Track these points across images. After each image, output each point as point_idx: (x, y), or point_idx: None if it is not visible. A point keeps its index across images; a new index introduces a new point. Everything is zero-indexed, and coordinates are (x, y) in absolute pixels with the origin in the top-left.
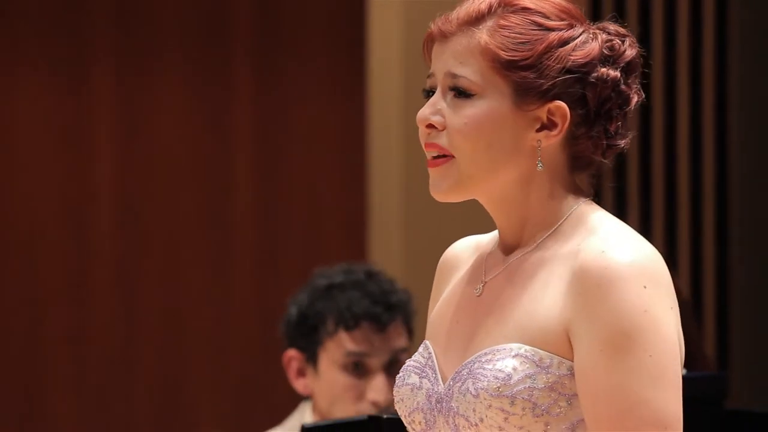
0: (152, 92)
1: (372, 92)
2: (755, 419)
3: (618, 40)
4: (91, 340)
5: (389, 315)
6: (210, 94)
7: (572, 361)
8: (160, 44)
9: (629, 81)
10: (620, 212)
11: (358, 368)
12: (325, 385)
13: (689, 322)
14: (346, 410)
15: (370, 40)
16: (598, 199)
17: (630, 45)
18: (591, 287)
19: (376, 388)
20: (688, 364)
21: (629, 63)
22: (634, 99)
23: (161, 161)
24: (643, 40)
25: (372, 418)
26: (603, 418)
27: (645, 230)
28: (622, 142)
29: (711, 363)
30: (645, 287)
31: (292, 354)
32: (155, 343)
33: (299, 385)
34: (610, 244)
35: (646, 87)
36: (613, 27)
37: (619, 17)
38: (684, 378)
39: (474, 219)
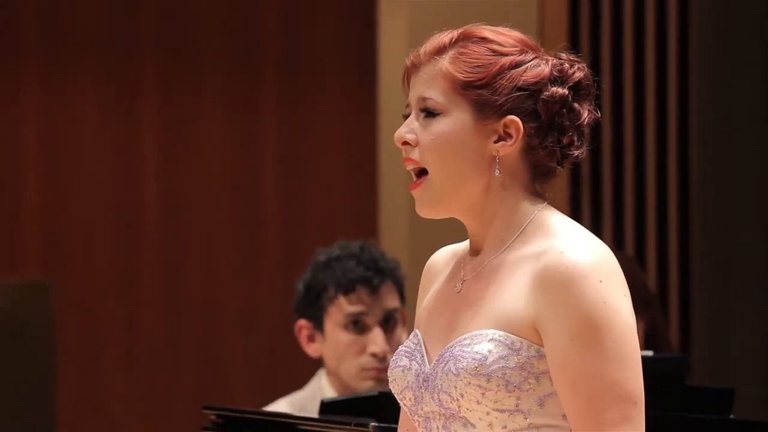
0: (193, 112)
1: (381, 111)
2: (712, 394)
3: (567, 64)
4: (140, 324)
5: (380, 278)
6: (243, 113)
7: (539, 345)
8: (200, 70)
9: (579, 99)
10: (595, 216)
11: (357, 326)
12: (332, 345)
13: (656, 311)
14: (351, 364)
15: (379, 69)
16: (577, 205)
17: (579, 69)
18: (554, 286)
19: (374, 341)
20: (654, 346)
21: (578, 83)
22: (585, 115)
23: (200, 171)
24: (616, 51)
25: (381, 394)
26: (582, 401)
27: (617, 231)
28: (576, 152)
29: (674, 346)
30: (601, 281)
31: (302, 323)
32: (195, 326)
33: (310, 349)
34: (567, 246)
35: (619, 96)
36: (565, 54)
37: (595, 28)
38: (651, 359)
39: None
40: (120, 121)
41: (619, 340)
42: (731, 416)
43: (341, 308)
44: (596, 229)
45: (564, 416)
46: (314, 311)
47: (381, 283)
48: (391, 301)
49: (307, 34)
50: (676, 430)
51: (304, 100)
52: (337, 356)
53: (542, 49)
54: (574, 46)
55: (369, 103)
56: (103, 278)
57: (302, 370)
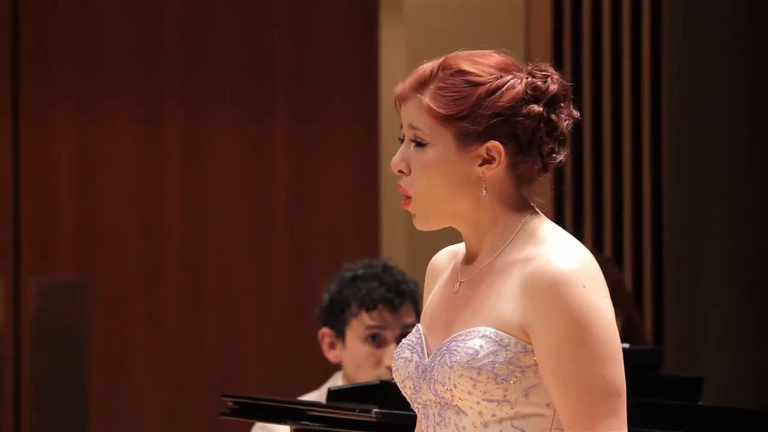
0: (211, 125)
1: (382, 122)
2: (683, 382)
3: (540, 81)
4: (163, 321)
5: (401, 299)
6: (255, 126)
7: (525, 342)
8: (217, 87)
9: (557, 111)
10: (577, 222)
11: (376, 340)
12: (351, 354)
13: (631, 307)
14: (367, 374)
15: (380, 85)
16: (560, 212)
17: (552, 81)
18: (541, 290)
19: (390, 355)
20: (630, 340)
21: (553, 97)
22: (563, 123)
23: (218, 180)
24: (595, 59)
25: (383, 383)
26: (573, 397)
27: (596, 235)
28: (558, 158)
29: (649, 339)
30: (584, 287)
31: (324, 331)
32: (213, 323)
33: (331, 355)
34: (553, 253)
35: (598, 104)
36: (540, 69)
37: (576, 45)
38: (628, 351)
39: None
40: (146, 135)
41: (603, 340)
42: (700, 403)
43: (363, 323)
44: (578, 233)
45: (547, 405)
46: (337, 322)
47: (401, 304)
48: (408, 318)
49: (314, 52)
50: (651, 416)
51: (311, 114)
52: (356, 365)
53: (520, 66)
54: (557, 61)
55: (371, 114)
56: (131, 279)
57: (318, 369)
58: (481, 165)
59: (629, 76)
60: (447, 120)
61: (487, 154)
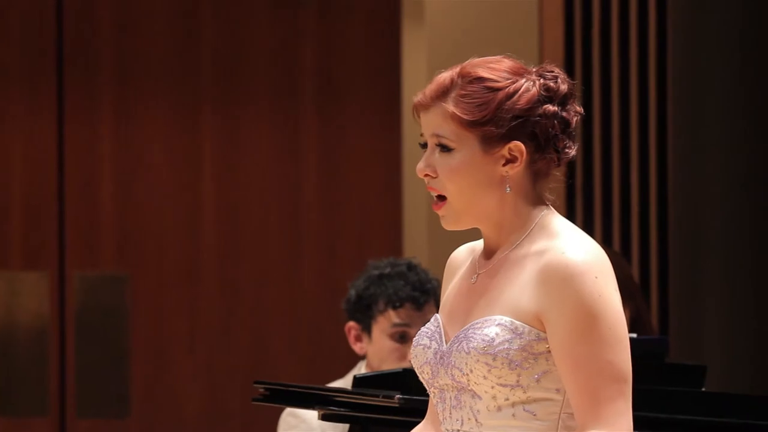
0: (244, 129)
1: (405, 129)
2: (687, 370)
3: (551, 82)
4: (200, 312)
5: (425, 298)
6: (286, 130)
7: (539, 330)
8: (250, 93)
9: (567, 108)
10: (587, 219)
11: (401, 336)
12: (377, 348)
13: (639, 300)
14: (391, 367)
15: (402, 92)
16: (572, 210)
17: (562, 81)
18: (556, 281)
19: None
20: (638, 330)
21: (564, 96)
22: (574, 120)
23: (251, 180)
24: (604, 63)
25: (405, 370)
26: (583, 381)
27: (606, 231)
28: (570, 153)
29: (655, 329)
30: (596, 278)
31: (351, 325)
32: (247, 314)
33: (357, 348)
34: (567, 246)
35: (607, 107)
36: (549, 71)
37: (587, 57)
38: (636, 340)
39: (477, 232)
40: (182, 137)
41: (613, 327)
42: (703, 389)
43: (389, 319)
44: (588, 230)
45: (557, 390)
46: (363, 317)
47: (425, 302)
48: (431, 315)
49: (341, 62)
50: (657, 401)
51: (338, 119)
52: (380, 358)
53: (529, 68)
54: (568, 65)
55: (394, 119)
56: (169, 272)
57: (336, 351)
58: (504, 165)
59: (636, 81)
60: (472, 125)
61: (510, 154)
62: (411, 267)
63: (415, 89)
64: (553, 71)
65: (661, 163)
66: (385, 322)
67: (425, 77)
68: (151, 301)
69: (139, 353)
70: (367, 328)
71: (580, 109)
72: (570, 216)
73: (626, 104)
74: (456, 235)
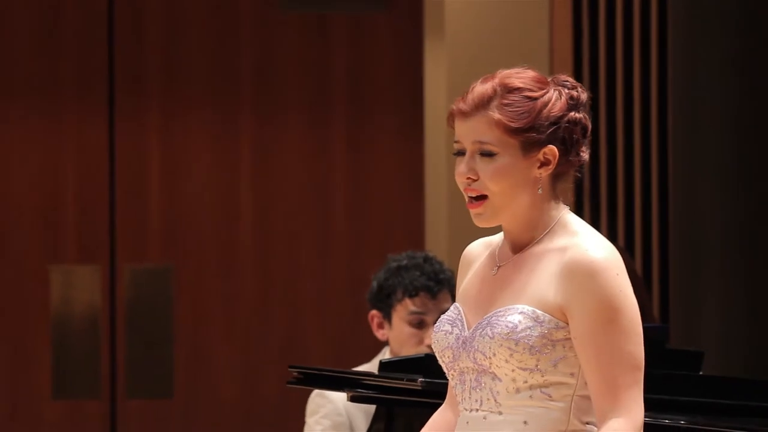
0: (279, 134)
1: (426, 135)
2: (686, 356)
3: (575, 91)
4: (237, 302)
5: (439, 287)
6: (318, 136)
7: (558, 320)
8: (284, 103)
9: (587, 116)
10: (594, 217)
11: (418, 323)
12: (396, 334)
13: (642, 291)
14: (410, 351)
15: (424, 102)
16: (580, 208)
17: (582, 91)
18: (580, 276)
19: (430, 335)
20: (641, 319)
21: (584, 104)
22: (589, 125)
23: (285, 181)
24: (610, 73)
25: (427, 355)
26: (604, 368)
27: (611, 228)
28: (586, 156)
29: (656, 318)
30: (617, 275)
31: (374, 313)
32: (280, 304)
33: (379, 334)
34: (589, 245)
35: (612, 113)
36: (566, 81)
37: (594, 68)
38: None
39: (493, 228)
40: (222, 141)
41: (631, 320)
42: (701, 373)
43: (407, 308)
44: (595, 227)
45: (571, 374)
46: (384, 306)
47: (439, 291)
48: (445, 304)
49: (368, 74)
50: (658, 384)
51: (365, 125)
52: (400, 343)
53: (548, 79)
54: (576, 76)
55: (417, 126)
56: (209, 265)
57: (362, 338)
58: (539, 167)
59: (639, 89)
60: (516, 132)
61: (545, 157)
62: (427, 259)
63: (436, 100)
64: (571, 81)
65: (662, 165)
66: (403, 310)
67: (445, 89)
68: (193, 291)
69: (181, 339)
70: (387, 316)
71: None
72: (578, 214)
73: (630, 111)
74: (475, 235)
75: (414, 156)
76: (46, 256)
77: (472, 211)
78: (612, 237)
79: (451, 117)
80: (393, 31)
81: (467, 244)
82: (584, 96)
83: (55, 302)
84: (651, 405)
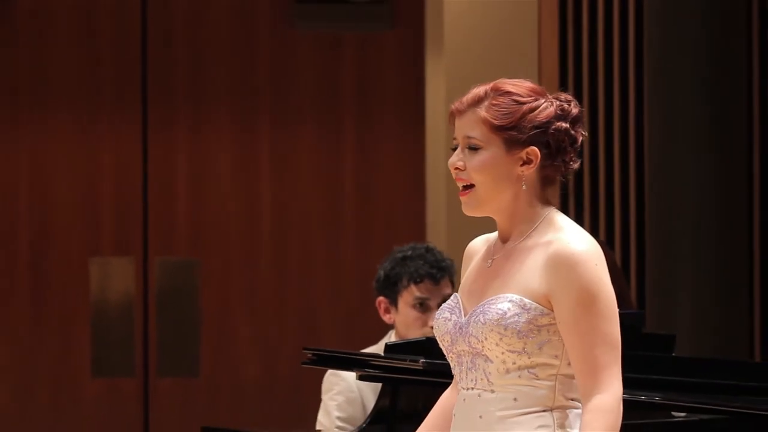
0: (294, 140)
1: (427, 137)
2: (660, 339)
3: (566, 104)
4: (258, 291)
5: (441, 274)
6: (329, 139)
7: (544, 306)
8: (300, 113)
9: (576, 128)
10: (578, 213)
11: (422, 306)
12: (402, 317)
13: (621, 280)
14: (415, 333)
15: (426, 107)
16: (565, 205)
17: (574, 105)
18: (564, 266)
19: (433, 318)
20: (620, 305)
21: (575, 117)
22: (580, 139)
23: (300, 182)
24: (592, 83)
25: (428, 339)
26: (586, 348)
27: (593, 223)
28: (574, 165)
29: (634, 304)
30: (596, 265)
31: (381, 299)
32: (297, 292)
33: (386, 318)
34: (572, 239)
35: (594, 122)
36: (563, 95)
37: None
38: (619, 314)
39: (486, 224)
40: (244, 146)
41: (608, 305)
42: (673, 354)
43: (412, 293)
44: (579, 223)
45: (555, 356)
46: (391, 293)
47: (441, 278)
48: (447, 289)
49: (375, 85)
50: (635, 365)
51: (372, 129)
52: (406, 326)
53: (546, 91)
54: (562, 84)
55: (419, 129)
56: (233, 258)
57: (370, 322)
58: (521, 165)
59: (618, 105)
60: (499, 129)
61: (527, 156)
62: (429, 249)
63: (436, 108)
64: (565, 96)
65: (639, 167)
66: (408, 296)
67: (444, 99)
68: (217, 281)
69: (206, 324)
70: (394, 301)
71: (585, 133)
72: (564, 212)
73: (610, 120)
74: (471, 228)
75: (416, 158)
76: (86, 249)
77: (462, 199)
78: (594, 232)
79: (451, 116)
80: (397, 48)
81: (464, 237)
82: (575, 110)
83: (95, 291)
84: (629, 383)
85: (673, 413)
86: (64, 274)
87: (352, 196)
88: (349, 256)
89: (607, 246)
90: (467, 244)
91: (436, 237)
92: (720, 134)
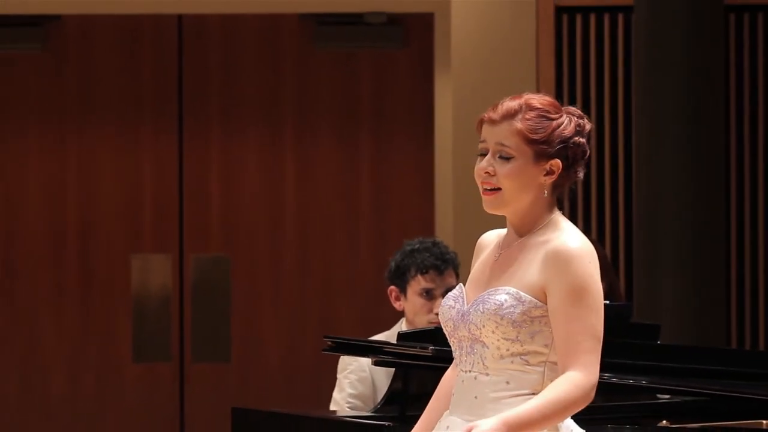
0: (316, 150)
1: (436, 148)
2: (646, 328)
3: (581, 120)
4: (283, 286)
5: (445, 266)
6: (348, 149)
7: (538, 300)
8: (321, 125)
9: (587, 143)
10: (572, 213)
11: (428, 295)
12: (411, 305)
13: (611, 275)
14: (422, 318)
15: (435, 121)
16: (560, 205)
17: (587, 122)
18: (559, 261)
19: (438, 306)
20: (610, 298)
21: (588, 133)
22: (588, 151)
23: (321, 185)
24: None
25: (437, 328)
26: (571, 335)
27: (586, 223)
28: (581, 175)
29: (623, 297)
30: (589, 262)
31: (392, 288)
32: (318, 285)
33: (397, 305)
34: (568, 238)
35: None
36: (575, 110)
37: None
38: (608, 305)
39: (488, 226)
40: (271, 153)
41: (596, 300)
42: (658, 342)
43: (419, 283)
44: (573, 222)
45: (545, 345)
46: (400, 282)
47: (446, 269)
48: (451, 280)
49: (389, 100)
50: (624, 351)
51: (386, 140)
52: (414, 312)
53: (561, 105)
54: (557, 98)
55: (428, 141)
56: (260, 255)
57: (383, 310)
58: (545, 175)
59: (609, 119)
60: (532, 142)
61: (550, 167)
62: (435, 243)
63: (444, 120)
64: (578, 112)
65: (627, 174)
66: (416, 285)
67: (451, 112)
68: (246, 275)
69: (237, 315)
70: (403, 290)
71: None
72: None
73: (601, 127)
74: (475, 229)
75: (425, 165)
76: (127, 246)
77: (486, 198)
78: (587, 230)
79: (480, 123)
80: (409, 65)
81: (469, 236)
82: (588, 126)
83: (135, 284)
84: (618, 368)
85: (658, 395)
86: (109, 270)
87: (368, 199)
88: (365, 254)
89: (598, 244)
90: (471, 242)
91: (444, 236)
92: (703, 148)
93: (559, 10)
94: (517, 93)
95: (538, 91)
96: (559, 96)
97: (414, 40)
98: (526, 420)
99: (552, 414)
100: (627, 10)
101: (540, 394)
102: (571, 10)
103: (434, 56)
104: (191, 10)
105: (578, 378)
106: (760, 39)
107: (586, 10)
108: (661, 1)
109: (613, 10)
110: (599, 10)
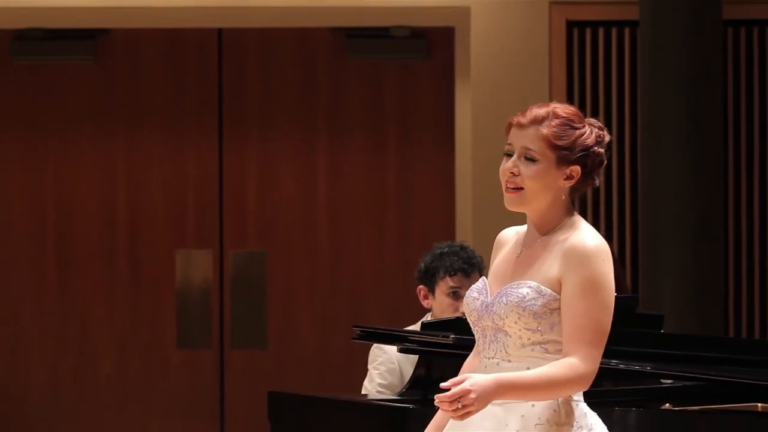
0: (346, 156)
1: (457, 154)
2: (650, 318)
3: (602, 132)
4: (317, 280)
5: (472, 269)
6: (375, 154)
7: (556, 293)
8: (351, 131)
9: (605, 153)
10: (582, 211)
11: (455, 295)
12: (438, 303)
13: (618, 269)
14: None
15: (455, 127)
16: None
17: (606, 133)
18: (576, 257)
19: (463, 306)
20: (616, 290)
21: (607, 143)
22: (605, 161)
23: (351, 187)
24: (594, 101)
25: (458, 318)
26: (577, 327)
27: (595, 221)
28: (597, 182)
29: (629, 289)
30: (603, 260)
31: (421, 288)
32: (348, 280)
33: (425, 303)
34: (586, 236)
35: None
36: (596, 122)
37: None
38: (616, 297)
39: (507, 223)
40: (304, 156)
41: (606, 297)
42: (662, 331)
43: (447, 283)
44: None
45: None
46: (429, 282)
47: (472, 272)
48: (476, 281)
49: (413, 109)
50: (629, 339)
51: (410, 147)
52: (441, 311)
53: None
54: (569, 98)
55: (449, 147)
56: (295, 250)
57: (410, 307)
58: (565, 179)
59: (616, 127)
60: (556, 148)
61: (570, 173)
62: (463, 247)
63: (464, 127)
64: (599, 123)
65: (633, 177)
66: (444, 286)
67: (471, 119)
68: (282, 269)
69: (273, 305)
70: (432, 290)
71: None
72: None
73: (607, 131)
74: (493, 228)
75: (447, 169)
76: (172, 242)
77: (508, 196)
78: (595, 227)
79: (508, 126)
80: (431, 75)
81: (487, 235)
82: (607, 138)
83: (179, 277)
84: (624, 355)
85: (662, 380)
86: (155, 264)
87: (393, 200)
88: (392, 251)
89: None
90: (489, 242)
91: (464, 234)
92: (702, 152)
93: (570, 24)
94: (531, 101)
95: (550, 98)
96: (569, 102)
97: (436, 52)
98: (518, 385)
99: (543, 389)
100: (633, 24)
101: (538, 368)
102: (582, 24)
103: (455, 67)
104: (231, 24)
105: (576, 365)
106: (756, 51)
107: (595, 24)
108: (664, 16)
109: (620, 25)
110: (607, 24)
